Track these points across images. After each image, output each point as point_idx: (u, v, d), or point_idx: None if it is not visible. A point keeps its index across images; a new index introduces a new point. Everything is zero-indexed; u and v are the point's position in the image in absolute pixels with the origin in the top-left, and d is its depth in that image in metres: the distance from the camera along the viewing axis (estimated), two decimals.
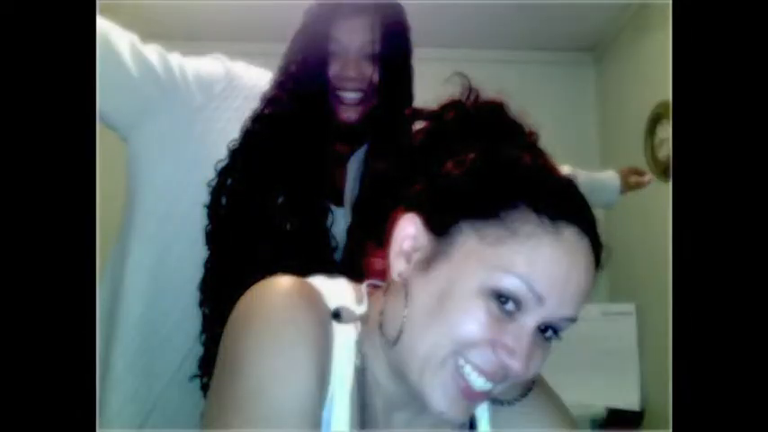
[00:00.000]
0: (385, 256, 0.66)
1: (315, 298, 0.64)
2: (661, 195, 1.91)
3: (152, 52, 1.02)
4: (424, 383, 0.61)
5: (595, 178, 1.57)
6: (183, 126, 1.03)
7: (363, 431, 0.64)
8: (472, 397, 0.61)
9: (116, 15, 1.02)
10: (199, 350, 1.00)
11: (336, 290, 0.68)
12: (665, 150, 2.19)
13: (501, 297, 0.59)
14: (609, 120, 2.76)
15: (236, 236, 1.00)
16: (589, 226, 0.61)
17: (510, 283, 0.58)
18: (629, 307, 2.37)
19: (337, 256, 1.04)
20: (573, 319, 0.61)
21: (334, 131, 1.04)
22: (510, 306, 0.59)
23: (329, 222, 1.03)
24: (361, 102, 1.03)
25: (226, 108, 1.06)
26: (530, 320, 0.59)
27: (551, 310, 0.59)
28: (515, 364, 0.59)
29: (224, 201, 1.01)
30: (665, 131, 2.20)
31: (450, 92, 0.69)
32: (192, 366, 1.01)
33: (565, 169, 1.09)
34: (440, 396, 0.61)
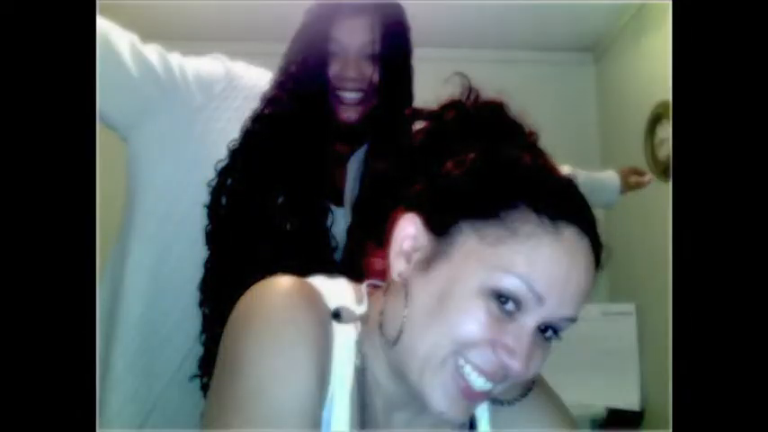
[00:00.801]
0: (385, 256, 0.66)
1: (315, 298, 0.64)
2: (661, 195, 1.91)
3: (152, 52, 1.02)
4: (424, 383, 0.61)
5: (595, 178, 1.57)
6: (183, 126, 1.03)
7: (363, 431, 0.64)
8: (472, 397, 0.61)
9: (116, 15, 1.01)
10: (199, 350, 1.00)
11: (336, 290, 0.68)
12: (665, 150, 2.19)
13: (501, 297, 0.59)
14: (609, 120, 2.76)
15: (236, 236, 1.00)
16: (589, 226, 0.61)
17: (510, 283, 0.58)
18: (629, 307, 2.37)
19: (337, 256, 1.04)
20: (573, 319, 0.61)
21: (334, 131, 1.04)
22: (510, 306, 0.59)
23: (329, 222, 1.03)
24: (361, 102, 1.03)
25: (226, 108, 1.06)
26: (530, 320, 0.59)
27: (551, 309, 0.59)
28: (515, 364, 0.59)
29: (224, 201, 1.01)
30: (665, 131, 2.20)
31: (450, 92, 0.69)
32: (191, 366, 1.01)
33: (565, 169, 1.09)
34: (440, 396, 0.61)
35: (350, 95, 1.03)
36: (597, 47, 2.76)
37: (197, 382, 1.01)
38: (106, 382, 1.02)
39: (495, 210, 0.60)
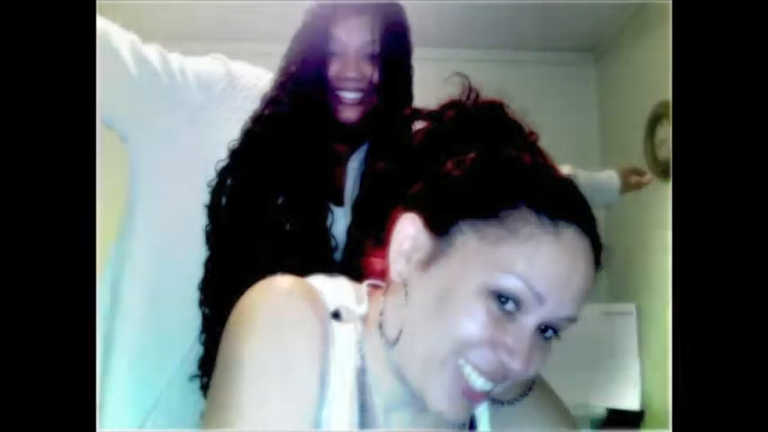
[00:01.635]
0: (385, 256, 0.66)
1: (315, 298, 0.64)
2: (661, 195, 1.91)
3: (152, 52, 1.02)
4: (424, 383, 0.61)
5: (595, 178, 1.58)
6: (183, 126, 1.03)
7: (363, 431, 0.64)
8: (472, 397, 0.61)
9: (116, 15, 1.02)
10: (199, 350, 1.00)
11: (336, 290, 0.68)
12: (665, 150, 2.19)
13: (501, 297, 0.59)
14: (609, 120, 2.76)
15: (236, 236, 1.00)
16: (589, 226, 0.61)
17: (510, 283, 0.58)
18: (629, 307, 2.37)
19: (337, 256, 1.04)
20: (573, 319, 0.61)
21: (334, 131, 1.04)
22: (510, 306, 0.59)
23: (329, 222, 1.03)
24: (361, 102, 1.03)
25: (226, 108, 1.06)
26: (530, 320, 0.59)
27: (551, 309, 0.59)
28: (515, 364, 0.59)
29: (224, 201, 1.01)
30: (665, 131, 2.20)
31: (450, 92, 0.69)
32: (191, 366, 1.01)
33: (565, 169, 1.09)
34: (440, 396, 0.61)
35: (350, 95, 1.03)
36: (597, 47, 2.76)
37: (197, 382, 1.01)
38: (106, 382, 1.02)
39: (495, 210, 0.60)
